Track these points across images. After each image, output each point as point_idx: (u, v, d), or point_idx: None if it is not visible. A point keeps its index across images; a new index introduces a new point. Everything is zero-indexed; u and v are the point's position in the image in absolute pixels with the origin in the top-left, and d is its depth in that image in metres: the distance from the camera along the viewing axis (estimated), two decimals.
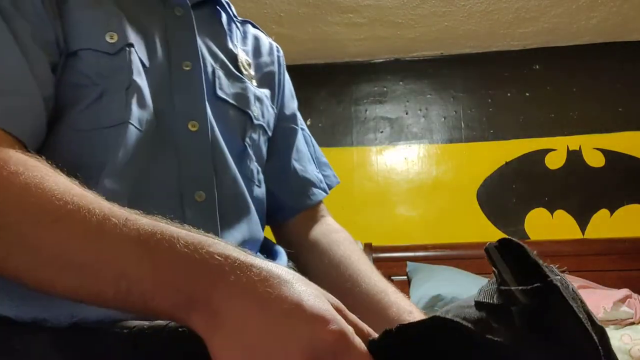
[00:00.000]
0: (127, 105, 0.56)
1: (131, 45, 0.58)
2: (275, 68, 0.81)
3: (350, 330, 0.36)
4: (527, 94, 2.80)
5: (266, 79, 0.78)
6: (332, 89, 2.93)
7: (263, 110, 0.74)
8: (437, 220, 2.72)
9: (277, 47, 0.85)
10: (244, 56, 0.74)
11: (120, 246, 0.39)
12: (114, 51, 0.57)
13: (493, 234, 2.67)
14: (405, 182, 2.81)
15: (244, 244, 0.63)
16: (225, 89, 0.67)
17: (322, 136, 2.88)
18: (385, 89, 2.93)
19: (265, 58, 0.80)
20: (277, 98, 0.81)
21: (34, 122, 0.52)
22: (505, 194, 2.71)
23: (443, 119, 2.86)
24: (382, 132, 2.89)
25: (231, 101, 0.68)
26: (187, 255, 0.38)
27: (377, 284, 0.67)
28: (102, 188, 0.53)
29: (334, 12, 2.47)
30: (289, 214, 0.80)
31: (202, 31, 0.68)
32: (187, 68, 0.63)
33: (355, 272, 0.69)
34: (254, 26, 0.84)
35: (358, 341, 0.36)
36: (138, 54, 0.59)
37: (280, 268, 0.38)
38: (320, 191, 0.83)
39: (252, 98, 0.71)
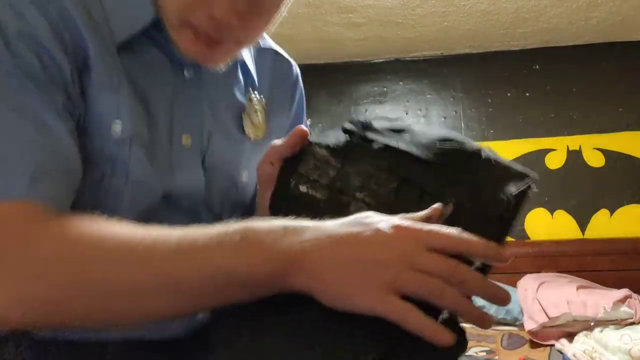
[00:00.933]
0: (123, 198, 0.57)
1: (132, 138, 0.58)
2: (289, 97, 0.82)
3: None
4: (527, 94, 2.80)
5: (280, 111, 0.79)
6: (332, 89, 2.93)
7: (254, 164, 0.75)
8: None
9: (296, 71, 0.84)
10: (253, 107, 0.73)
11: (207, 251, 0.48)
12: (117, 142, 0.57)
13: None
14: None
15: None
16: (217, 155, 0.67)
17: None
18: (385, 89, 2.93)
19: (281, 92, 0.80)
20: (288, 127, 0.81)
21: (73, 194, 0.54)
22: None
23: (443, 119, 2.86)
24: None
25: (219, 170, 0.68)
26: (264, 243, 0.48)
27: None
28: None
29: (334, 12, 2.47)
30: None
31: (210, 91, 0.67)
32: (187, 145, 0.64)
33: None
34: (276, 53, 0.81)
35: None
36: (141, 138, 0.59)
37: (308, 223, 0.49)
38: None
39: (244, 163, 0.72)
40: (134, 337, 0.60)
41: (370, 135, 0.58)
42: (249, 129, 0.72)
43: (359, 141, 0.58)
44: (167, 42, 0.60)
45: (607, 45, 2.76)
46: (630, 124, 2.70)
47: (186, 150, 0.64)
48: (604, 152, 2.70)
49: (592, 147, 2.71)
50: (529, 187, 0.52)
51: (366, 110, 2.92)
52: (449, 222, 0.49)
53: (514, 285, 2.29)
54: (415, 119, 2.88)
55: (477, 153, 0.54)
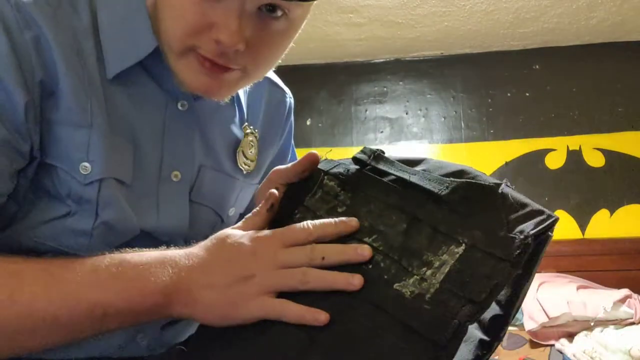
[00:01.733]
0: (92, 237, 0.56)
1: (104, 179, 0.56)
2: (280, 129, 0.80)
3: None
4: (527, 94, 2.80)
5: (269, 142, 0.78)
6: (332, 89, 2.92)
7: (243, 199, 0.74)
8: None
9: (289, 100, 0.81)
10: (248, 139, 0.71)
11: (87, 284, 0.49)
12: (85, 182, 0.55)
13: None
14: None
15: None
16: (205, 189, 0.66)
17: (322, 136, 2.88)
18: (385, 89, 2.93)
19: (274, 124, 0.78)
20: (274, 158, 0.81)
21: None
22: None
23: (443, 119, 2.86)
24: (382, 132, 2.89)
25: (207, 204, 0.67)
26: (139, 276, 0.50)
27: None
28: None
29: (334, 12, 2.47)
30: None
31: (204, 123, 0.65)
32: (176, 179, 0.62)
33: None
34: (271, 83, 0.79)
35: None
36: (117, 177, 0.57)
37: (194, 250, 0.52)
38: None
39: (233, 198, 0.71)
40: (99, 355, 0.60)
41: (381, 166, 0.56)
42: (242, 163, 0.70)
43: (370, 173, 0.55)
44: (164, 72, 0.58)
45: (607, 45, 2.76)
46: (630, 124, 2.70)
47: (175, 184, 0.62)
48: (604, 152, 2.70)
49: (592, 147, 2.71)
50: (549, 226, 0.48)
51: (366, 110, 2.92)
52: (461, 261, 0.46)
53: None
54: (416, 119, 2.89)
55: (493, 189, 0.51)
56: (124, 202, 0.58)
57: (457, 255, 0.46)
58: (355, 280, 0.47)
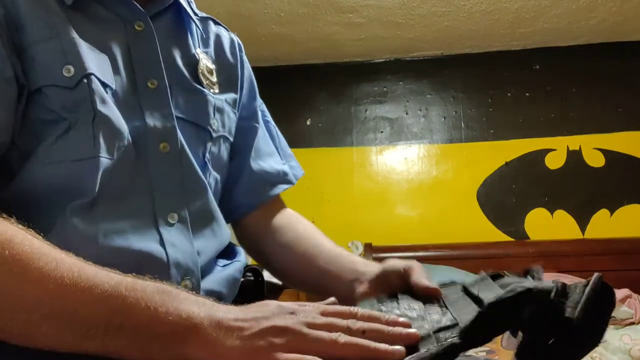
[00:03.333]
0: (95, 138, 0.56)
1: (90, 74, 0.57)
2: (237, 69, 0.82)
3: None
4: (527, 94, 2.80)
5: (228, 82, 0.79)
6: (332, 89, 2.92)
7: (224, 121, 0.74)
8: (437, 220, 2.72)
9: (238, 43, 0.85)
10: (205, 63, 0.74)
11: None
12: (73, 84, 0.56)
13: (493, 234, 2.67)
14: (405, 182, 2.81)
15: (216, 252, 0.68)
16: (182, 107, 0.67)
17: (322, 136, 2.88)
18: (385, 89, 2.93)
19: (227, 59, 0.80)
20: (239, 100, 0.81)
21: None
22: (505, 194, 2.71)
23: (443, 119, 2.86)
24: (382, 132, 2.89)
25: (189, 119, 0.68)
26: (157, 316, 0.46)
27: (334, 249, 0.76)
28: (71, 226, 0.54)
29: (334, 12, 2.47)
30: (248, 209, 0.83)
31: (164, 42, 0.68)
32: (152, 86, 0.64)
33: (316, 243, 0.78)
34: (215, 22, 0.83)
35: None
36: (101, 78, 0.58)
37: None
38: (281, 185, 0.85)
39: (211, 111, 0.72)
40: None
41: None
42: (206, 84, 0.72)
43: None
44: (112, 1, 0.63)
45: (607, 45, 2.76)
46: (630, 124, 2.70)
47: (152, 91, 0.63)
48: (604, 152, 2.70)
49: (592, 147, 2.71)
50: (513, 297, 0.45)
51: (366, 110, 2.92)
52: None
53: None
54: (416, 119, 2.89)
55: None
56: (112, 101, 0.59)
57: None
58: (397, 352, 0.44)
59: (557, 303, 0.43)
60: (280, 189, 0.84)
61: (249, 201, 0.82)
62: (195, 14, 0.77)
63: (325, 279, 0.72)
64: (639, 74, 2.73)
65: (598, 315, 0.44)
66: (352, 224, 2.71)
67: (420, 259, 2.50)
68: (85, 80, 0.57)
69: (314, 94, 2.91)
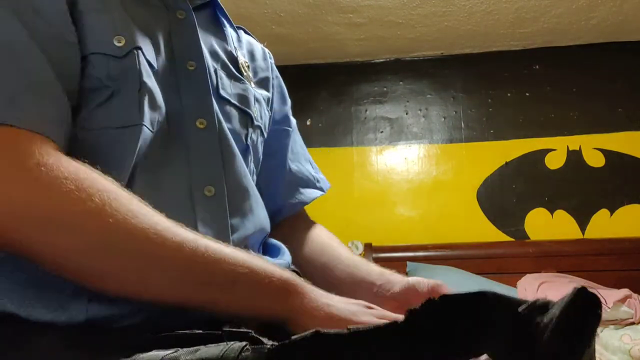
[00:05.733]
0: (140, 107, 0.57)
1: (139, 48, 0.59)
2: (270, 73, 0.84)
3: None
4: (527, 94, 2.80)
5: (262, 83, 0.81)
6: (332, 89, 2.92)
7: (261, 112, 0.76)
8: (437, 220, 2.72)
9: (268, 53, 0.89)
10: (242, 58, 0.77)
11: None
12: (122, 54, 0.58)
13: (493, 234, 2.67)
14: (405, 182, 2.81)
15: (255, 234, 0.68)
16: (227, 89, 0.69)
17: (322, 136, 2.88)
18: (385, 89, 2.93)
19: (259, 63, 0.83)
20: (271, 102, 0.84)
21: (66, 128, 0.54)
22: (505, 194, 2.71)
23: (443, 119, 2.86)
24: (382, 132, 2.89)
25: (233, 101, 0.70)
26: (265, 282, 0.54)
27: (354, 260, 0.80)
28: None
29: (334, 12, 2.47)
30: (287, 211, 0.83)
31: (204, 32, 0.70)
32: (192, 68, 0.65)
33: (334, 256, 0.81)
34: (246, 32, 0.86)
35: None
36: (146, 56, 0.60)
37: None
38: (316, 190, 0.86)
39: (252, 99, 0.73)
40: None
41: None
42: (246, 77, 0.74)
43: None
44: None
45: (607, 45, 2.76)
46: (630, 124, 2.70)
47: (192, 74, 0.65)
48: (604, 152, 2.70)
49: (592, 147, 2.71)
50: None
51: (366, 110, 2.92)
52: None
53: (514, 285, 2.29)
54: (416, 119, 2.88)
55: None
56: (153, 77, 0.61)
57: None
58: None
59: (527, 318, 0.39)
60: (315, 194, 0.86)
61: (289, 201, 0.83)
62: (230, 20, 0.79)
63: (342, 293, 0.74)
64: (639, 74, 2.73)
65: (577, 333, 0.38)
66: (352, 224, 2.71)
67: (420, 259, 2.52)
68: (135, 52, 0.59)
69: (314, 94, 2.91)
